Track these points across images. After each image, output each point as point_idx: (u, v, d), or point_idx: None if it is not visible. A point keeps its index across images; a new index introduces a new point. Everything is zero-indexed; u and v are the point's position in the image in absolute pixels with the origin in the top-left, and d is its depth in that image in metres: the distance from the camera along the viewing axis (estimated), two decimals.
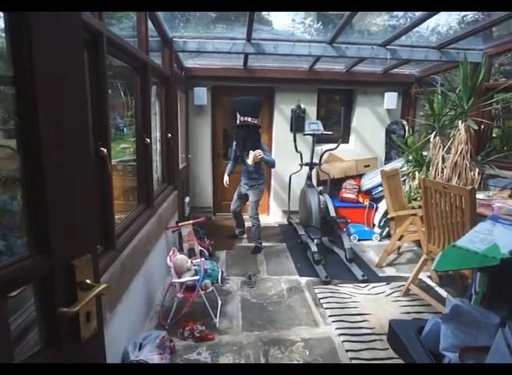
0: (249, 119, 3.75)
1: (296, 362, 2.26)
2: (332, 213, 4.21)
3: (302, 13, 5.26)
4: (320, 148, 4.74)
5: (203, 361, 2.24)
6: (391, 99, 5.06)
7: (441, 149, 3.90)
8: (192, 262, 2.83)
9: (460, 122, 3.74)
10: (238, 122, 3.83)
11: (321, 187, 4.99)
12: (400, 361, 1.33)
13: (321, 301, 3.00)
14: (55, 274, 0.66)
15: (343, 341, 2.47)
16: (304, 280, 3.42)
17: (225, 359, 2.26)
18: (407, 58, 4.13)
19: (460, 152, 3.69)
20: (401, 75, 5.09)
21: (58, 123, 0.67)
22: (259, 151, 3.73)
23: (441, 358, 1.16)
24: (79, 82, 0.73)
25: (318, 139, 4.51)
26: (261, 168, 4.01)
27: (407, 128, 5.17)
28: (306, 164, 4.48)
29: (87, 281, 0.72)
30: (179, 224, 3.40)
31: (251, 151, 3.75)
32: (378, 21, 4.81)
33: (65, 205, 0.70)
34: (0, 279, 0.56)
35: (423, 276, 3.41)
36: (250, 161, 3.76)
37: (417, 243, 4.08)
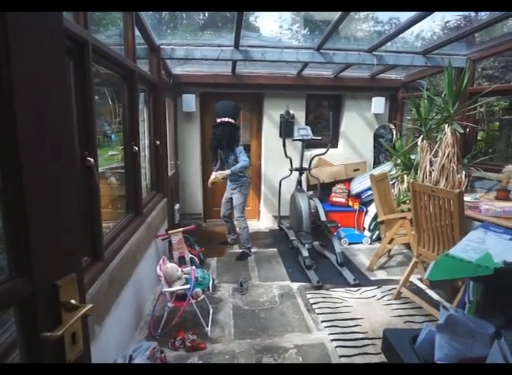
0: (225, 119, 3.81)
1: None
2: (323, 218, 4.22)
3: (289, 20, 5.32)
4: (309, 153, 4.76)
5: None
6: (378, 104, 5.12)
7: (428, 152, 3.96)
8: (182, 271, 2.80)
9: (446, 125, 3.80)
10: (220, 120, 3.87)
11: (311, 192, 5.01)
12: None
13: (314, 306, 3.00)
14: (38, 296, 0.63)
15: (336, 347, 2.46)
16: (295, 285, 3.41)
17: None
18: (393, 64, 4.20)
19: (447, 155, 3.75)
20: (388, 80, 5.16)
21: (39, 135, 0.65)
22: (219, 172, 3.87)
23: None
24: (62, 91, 0.71)
25: (308, 144, 4.53)
26: (241, 172, 3.94)
27: (394, 132, 5.23)
28: (296, 169, 4.49)
29: (72, 301, 0.69)
30: (169, 232, 3.36)
31: (213, 173, 3.93)
32: (364, 27, 4.89)
33: (47, 223, 0.68)
34: None
35: (414, 278, 3.44)
36: (210, 181, 3.95)
37: (407, 246, 4.11)
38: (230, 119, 3.82)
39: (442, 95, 3.91)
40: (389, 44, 3.84)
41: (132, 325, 2.50)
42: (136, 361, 2.02)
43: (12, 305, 0.62)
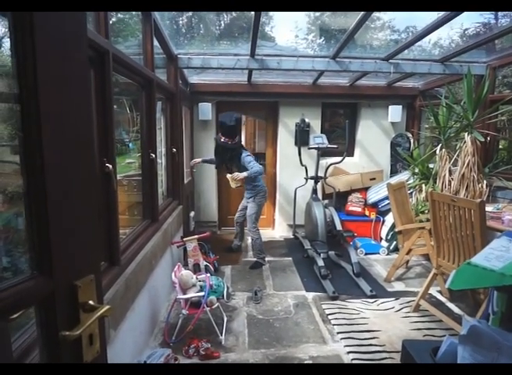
0: (228, 141, 3.78)
1: None
2: (339, 227, 4.17)
3: (305, 29, 5.36)
4: (325, 162, 4.73)
5: None
6: (395, 112, 5.06)
7: (447, 162, 3.88)
8: (197, 278, 2.79)
9: (466, 134, 3.72)
10: (219, 138, 3.85)
11: (326, 201, 4.97)
12: None
13: (329, 317, 2.94)
14: (57, 296, 0.64)
15: (353, 359, 2.39)
16: (310, 295, 3.35)
17: None
18: (411, 72, 4.16)
19: (467, 164, 3.66)
20: (405, 88, 5.11)
21: (61, 140, 0.66)
22: (236, 174, 3.75)
23: None
24: (84, 99, 0.73)
25: (323, 152, 4.50)
26: (256, 181, 3.92)
27: (412, 141, 5.15)
28: (311, 178, 4.46)
29: (90, 302, 0.70)
30: (184, 239, 3.38)
31: (228, 175, 3.87)
32: (381, 36, 4.88)
33: (68, 225, 0.69)
34: (1, 301, 0.55)
35: (433, 291, 3.34)
36: (232, 185, 3.90)
37: (426, 257, 4.00)
38: (228, 140, 3.78)
39: (462, 103, 3.84)
40: (406, 52, 3.81)
41: (147, 331, 2.50)
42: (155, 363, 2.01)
43: (34, 302, 0.63)
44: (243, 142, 6.61)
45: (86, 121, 0.73)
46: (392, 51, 3.74)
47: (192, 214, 4.66)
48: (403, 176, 4.63)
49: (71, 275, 0.68)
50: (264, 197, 4.05)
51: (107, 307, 0.70)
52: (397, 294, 3.36)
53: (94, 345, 0.71)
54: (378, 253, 4.45)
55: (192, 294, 2.61)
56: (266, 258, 4.17)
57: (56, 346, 0.63)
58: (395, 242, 4.41)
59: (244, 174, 3.71)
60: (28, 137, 0.60)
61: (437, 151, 4.02)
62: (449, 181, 3.81)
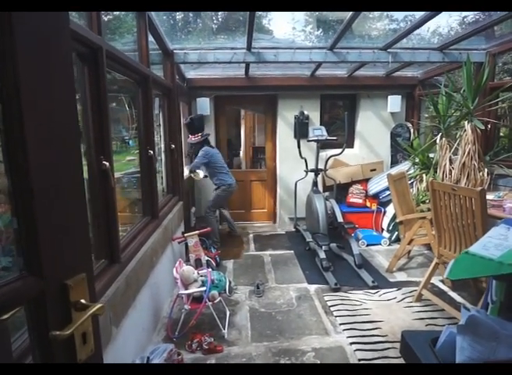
0: (191, 138, 4.29)
1: None
2: (340, 219, 4.16)
3: (302, 21, 5.30)
4: (325, 154, 4.71)
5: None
6: (394, 102, 5.02)
7: (448, 150, 3.85)
8: (199, 273, 2.80)
9: (466, 122, 3.69)
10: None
11: (327, 193, 4.95)
12: None
13: (331, 308, 2.94)
14: (48, 295, 0.64)
15: (355, 350, 2.40)
16: (312, 287, 3.36)
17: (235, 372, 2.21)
18: (409, 61, 4.12)
19: (468, 153, 3.64)
20: (404, 78, 5.06)
21: (47, 136, 0.65)
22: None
23: None
24: (68, 93, 0.72)
25: (323, 145, 4.48)
26: (216, 176, 4.35)
27: (412, 131, 5.12)
28: (311, 170, 4.45)
29: (82, 301, 0.70)
30: (185, 235, 3.38)
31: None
32: (379, 25, 4.82)
33: (57, 224, 0.69)
34: None
35: (435, 280, 3.34)
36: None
37: (428, 246, 4.00)
38: (191, 137, 4.28)
39: (461, 91, 3.80)
40: (404, 41, 3.76)
41: (149, 327, 2.52)
42: (154, 363, 2.02)
43: (23, 303, 0.63)
44: (242, 137, 6.63)
45: (71, 116, 0.72)
46: (390, 40, 3.70)
47: (193, 210, 4.66)
48: (404, 167, 4.61)
49: (61, 274, 0.67)
50: (226, 191, 4.35)
51: (99, 305, 0.70)
52: (399, 285, 3.36)
53: (88, 344, 0.71)
54: (380, 244, 4.45)
55: (194, 289, 2.62)
56: (267, 252, 4.17)
57: (48, 345, 0.63)
58: (396, 233, 4.40)
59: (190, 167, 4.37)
60: (11, 134, 0.59)
61: (437, 141, 3.99)
62: (450, 170, 3.79)
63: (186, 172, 4.43)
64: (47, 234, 0.64)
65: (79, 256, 0.73)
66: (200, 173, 4.34)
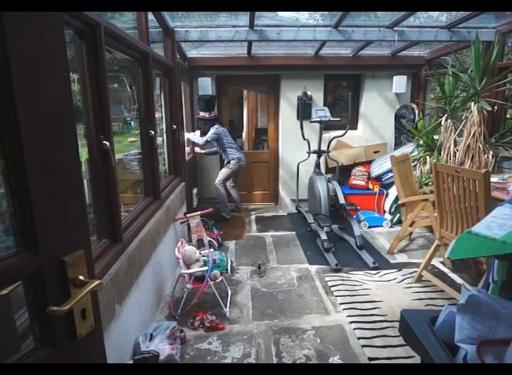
0: (206, 115, 4.53)
1: (307, 350, 2.25)
2: (342, 201, 4.16)
3: None
4: (328, 135, 4.66)
5: (214, 350, 2.25)
6: (400, 83, 4.92)
7: (453, 132, 3.80)
8: (201, 253, 2.83)
9: (472, 103, 3.62)
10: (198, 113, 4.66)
11: (329, 175, 4.93)
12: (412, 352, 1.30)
13: (332, 289, 2.98)
14: (45, 271, 0.64)
15: (355, 329, 2.45)
16: (314, 268, 3.40)
17: (236, 348, 2.27)
18: (416, 40, 4.00)
19: (473, 135, 3.59)
20: (410, 57, 4.94)
21: (38, 113, 0.64)
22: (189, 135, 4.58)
23: (456, 351, 1.11)
24: (61, 70, 0.70)
25: (326, 126, 4.43)
26: (226, 151, 4.67)
27: (416, 112, 5.04)
28: (314, 152, 4.42)
29: (81, 277, 0.70)
30: (187, 215, 3.40)
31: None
32: None
33: (51, 200, 0.68)
34: None
35: (436, 262, 3.36)
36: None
37: (429, 228, 4.01)
38: (205, 114, 4.54)
39: (469, 71, 3.71)
40: (411, 19, 3.65)
41: (152, 305, 2.56)
42: (157, 339, 2.08)
43: (20, 278, 0.63)
44: (244, 119, 6.57)
45: (64, 93, 0.71)
46: (397, 18, 3.59)
47: (195, 191, 4.67)
48: (408, 149, 4.57)
49: (58, 251, 0.67)
50: (237, 164, 4.66)
51: (97, 281, 0.70)
52: (400, 266, 3.39)
53: (88, 320, 0.72)
54: (382, 226, 4.46)
55: (196, 268, 2.65)
56: (269, 233, 4.20)
57: (47, 320, 0.64)
58: (398, 215, 4.41)
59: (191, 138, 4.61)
60: (2, 112, 0.58)
61: (442, 122, 3.93)
62: (454, 152, 3.75)
63: (198, 140, 4.60)
64: (42, 211, 0.64)
65: (76, 233, 0.73)
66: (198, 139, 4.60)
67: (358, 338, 2.35)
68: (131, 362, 1.88)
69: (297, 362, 2.15)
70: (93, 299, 0.73)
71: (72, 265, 0.68)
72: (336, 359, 2.17)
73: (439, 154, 3.96)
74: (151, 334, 2.13)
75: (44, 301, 0.64)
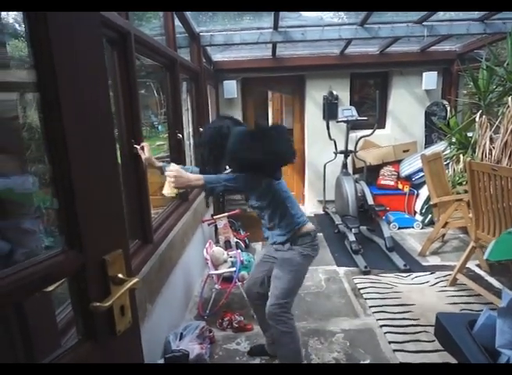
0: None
1: (336, 353, 2.22)
2: (370, 201, 4.08)
3: None
4: (355, 135, 4.58)
5: (242, 351, 2.26)
6: (430, 79, 4.77)
7: (488, 129, 3.63)
8: (228, 254, 2.86)
9: (509, 98, 3.44)
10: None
11: (357, 175, 4.84)
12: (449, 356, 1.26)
13: (361, 291, 2.92)
14: (88, 269, 0.68)
15: (386, 333, 2.39)
16: (342, 270, 3.34)
17: None
18: (447, 34, 3.86)
19: (511, 131, 3.41)
20: (440, 52, 4.78)
21: (82, 122, 0.68)
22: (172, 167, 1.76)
23: (497, 356, 1.06)
24: (100, 74, 0.74)
25: (353, 125, 4.36)
26: (282, 208, 1.92)
27: (448, 109, 4.86)
28: (341, 152, 4.36)
29: (120, 276, 0.74)
30: (215, 217, 3.44)
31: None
32: None
33: (95, 203, 0.72)
34: (34, 275, 0.59)
35: (471, 264, 3.22)
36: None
37: (464, 230, 3.85)
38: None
39: (505, 65, 3.54)
40: (441, 12, 3.53)
41: (181, 305, 2.61)
42: (187, 339, 2.11)
43: (65, 275, 0.67)
44: (269, 120, 6.57)
45: (103, 95, 0.75)
46: (425, 12, 3.48)
47: None
48: (439, 147, 4.41)
49: (100, 250, 0.71)
50: (313, 246, 1.92)
51: (136, 280, 0.73)
52: (432, 269, 3.28)
53: (126, 316, 0.75)
54: (412, 227, 4.33)
55: (224, 269, 2.68)
56: None
57: (90, 316, 0.68)
58: (430, 216, 4.26)
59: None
60: (49, 122, 0.62)
61: (476, 119, 3.76)
62: (490, 150, 3.58)
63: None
64: (85, 213, 0.68)
65: (115, 233, 0.77)
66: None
67: (389, 342, 2.29)
68: (162, 360, 1.92)
69: None
70: (131, 296, 0.77)
71: (112, 263, 0.72)
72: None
73: (474, 152, 3.79)
74: (181, 333, 2.17)
75: (86, 298, 0.68)
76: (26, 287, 0.59)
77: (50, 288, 0.65)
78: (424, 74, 4.77)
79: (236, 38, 3.80)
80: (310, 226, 1.94)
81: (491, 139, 3.61)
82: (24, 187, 1.22)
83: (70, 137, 0.64)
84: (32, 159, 1.41)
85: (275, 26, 3.62)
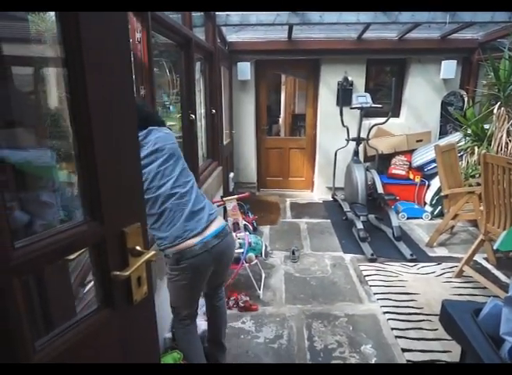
0: None
1: (339, 336, 2.27)
2: (380, 190, 4.06)
3: None
4: (368, 123, 4.52)
5: (247, 329, 2.32)
6: (449, 68, 4.64)
7: (506, 121, 3.56)
8: (236, 236, 2.89)
9: None
10: None
11: (368, 163, 4.81)
12: (453, 342, 1.28)
13: (366, 278, 2.95)
14: (108, 240, 0.71)
15: (389, 319, 2.42)
16: (348, 256, 3.37)
17: (269, 329, 2.33)
18: (470, 21, 3.74)
19: None
20: (461, 40, 4.63)
21: (104, 100, 0.70)
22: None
23: (500, 343, 1.08)
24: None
25: (366, 113, 4.30)
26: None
27: (466, 99, 4.75)
28: (353, 139, 4.32)
29: (137, 248, 0.76)
30: (224, 199, 3.46)
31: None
32: None
33: (116, 178, 0.75)
34: (58, 243, 0.61)
35: (478, 257, 3.21)
36: None
37: (473, 223, 3.82)
38: None
39: None
40: None
41: None
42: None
43: (87, 245, 0.70)
44: (282, 104, 6.50)
45: (126, 74, 0.75)
46: None
47: (231, 175, 4.74)
48: (454, 138, 4.33)
49: (119, 222, 0.74)
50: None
51: (152, 252, 0.76)
52: (439, 260, 3.28)
53: (142, 287, 0.78)
54: (421, 218, 4.32)
55: None
56: (304, 219, 4.19)
57: (109, 284, 0.71)
58: (440, 207, 4.23)
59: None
60: (75, 98, 0.64)
61: (495, 110, 3.68)
62: (507, 143, 3.52)
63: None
64: (106, 187, 0.70)
65: (134, 207, 0.79)
66: None
67: (392, 329, 2.33)
68: (170, 334, 1.98)
69: (329, 347, 2.18)
70: (147, 268, 0.80)
71: (130, 235, 0.75)
72: (368, 348, 2.17)
73: (489, 144, 3.73)
74: None
75: (106, 267, 0.70)
76: (50, 254, 0.61)
77: (72, 256, 0.68)
78: (443, 63, 4.65)
79: (252, 19, 3.73)
80: None
81: (508, 132, 3.55)
82: (43, 160, 1.24)
83: (94, 114, 0.66)
84: (49, 134, 1.43)
85: None
